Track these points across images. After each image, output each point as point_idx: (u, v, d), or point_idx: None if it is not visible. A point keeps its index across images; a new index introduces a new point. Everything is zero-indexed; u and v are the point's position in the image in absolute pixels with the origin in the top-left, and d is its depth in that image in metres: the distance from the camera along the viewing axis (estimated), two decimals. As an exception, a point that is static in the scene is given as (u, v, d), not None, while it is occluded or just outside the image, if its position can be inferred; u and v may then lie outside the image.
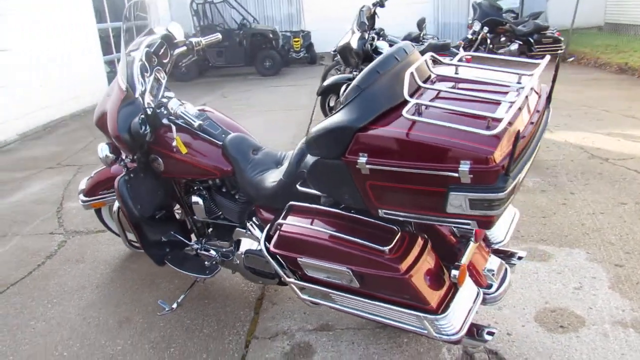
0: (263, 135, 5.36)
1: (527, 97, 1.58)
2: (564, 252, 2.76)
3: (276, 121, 6.36)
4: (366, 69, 1.66)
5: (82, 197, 2.83)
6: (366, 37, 4.84)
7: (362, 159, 1.54)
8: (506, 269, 1.96)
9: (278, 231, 1.88)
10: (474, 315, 1.71)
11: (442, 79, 1.73)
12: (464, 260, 1.70)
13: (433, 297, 1.65)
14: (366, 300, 1.75)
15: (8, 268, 3.02)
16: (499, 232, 2.03)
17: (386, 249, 1.63)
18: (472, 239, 1.78)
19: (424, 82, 1.67)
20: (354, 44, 4.87)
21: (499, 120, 1.38)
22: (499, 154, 1.37)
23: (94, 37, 8.64)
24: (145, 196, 2.39)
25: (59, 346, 2.28)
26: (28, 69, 6.85)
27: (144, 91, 2.26)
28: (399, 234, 1.68)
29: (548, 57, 1.68)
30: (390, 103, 1.58)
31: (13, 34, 6.63)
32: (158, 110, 2.25)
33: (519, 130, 1.32)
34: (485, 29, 10.14)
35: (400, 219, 1.62)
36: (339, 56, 5.33)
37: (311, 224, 1.83)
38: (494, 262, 1.94)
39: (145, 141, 2.20)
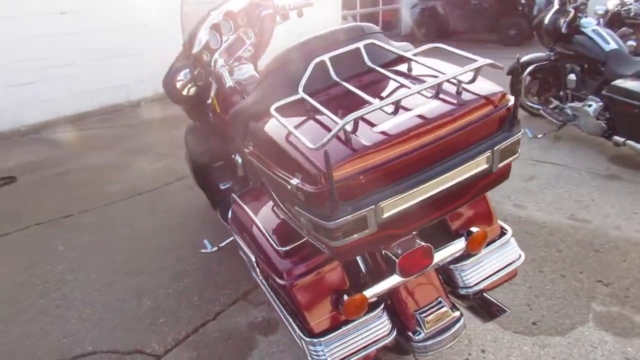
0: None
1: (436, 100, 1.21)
2: (663, 337, 1.97)
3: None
4: (283, 51, 1.48)
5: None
6: (563, 13, 3.97)
7: (247, 150, 1.43)
8: (457, 320, 1.54)
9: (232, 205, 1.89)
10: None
11: (374, 75, 1.41)
12: (369, 292, 1.43)
13: (316, 317, 1.46)
14: (271, 293, 1.65)
15: (148, 181, 3.74)
16: (473, 275, 1.60)
17: (282, 249, 1.50)
18: (397, 271, 1.47)
19: (348, 78, 1.39)
20: (546, 20, 4.07)
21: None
22: (341, 172, 1.11)
23: (336, -9, 9.23)
24: (202, 145, 2.63)
25: (122, 250, 2.80)
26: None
27: (217, 49, 2.44)
28: (306, 238, 1.51)
29: (486, 61, 1.21)
30: (292, 94, 1.38)
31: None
32: (212, 69, 2.41)
33: (325, 150, 1.03)
34: None
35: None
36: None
37: (251, 205, 1.78)
38: (439, 307, 1.55)
39: (183, 96, 2.39)
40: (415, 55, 1.45)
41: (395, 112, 1.19)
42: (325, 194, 1.11)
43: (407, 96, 1.15)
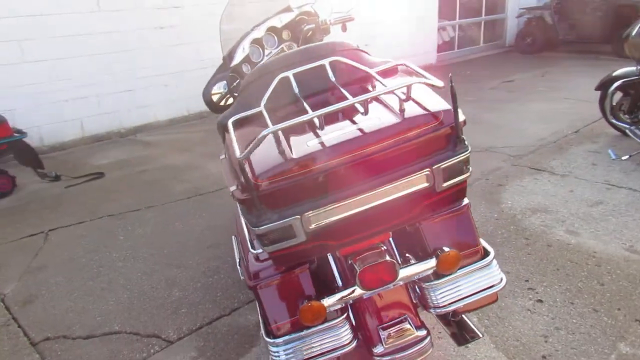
0: (514, 123, 4.87)
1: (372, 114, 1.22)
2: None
3: (552, 111, 5.47)
4: (260, 65, 1.56)
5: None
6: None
7: (220, 158, 1.54)
8: (420, 340, 1.50)
9: None
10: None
11: (337, 92, 1.43)
12: (328, 300, 1.46)
13: (278, 320, 1.52)
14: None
15: (211, 182, 4.02)
16: (444, 296, 1.54)
17: (254, 252, 1.58)
18: (357, 283, 1.48)
19: (313, 94, 1.44)
20: (634, 32, 3.72)
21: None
22: (266, 182, 1.17)
23: (433, 4, 9.11)
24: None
25: (169, 243, 3.06)
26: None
27: (258, 62, 2.60)
28: None
29: (420, 79, 1.18)
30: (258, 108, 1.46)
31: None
32: None
33: (240, 160, 1.10)
34: None
35: None
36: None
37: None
38: (403, 324, 1.52)
39: (220, 106, 2.55)
40: (381, 72, 1.46)
41: (321, 127, 1.22)
42: (250, 201, 1.18)
43: (329, 112, 1.18)
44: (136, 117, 5.82)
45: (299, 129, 1.30)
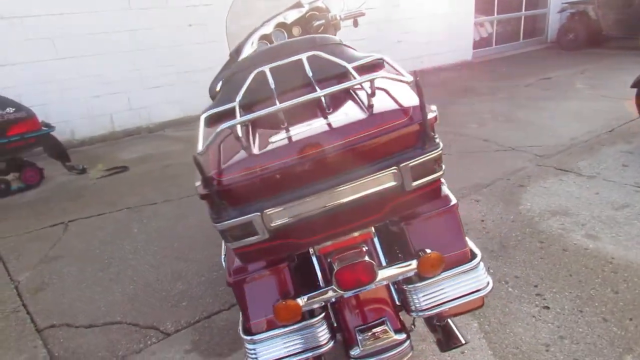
0: (546, 121, 4.70)
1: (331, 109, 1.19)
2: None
3: (588, 110, 5.23)
4: (241, 59, 1.53)
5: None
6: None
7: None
8: (399, 343, 1.45)
9: None
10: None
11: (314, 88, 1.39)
12: (303, 299, 1.44)
13: (255, 317, 1.50)
14: None
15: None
16: (426, 299, 1.48)
17: (235, 244, 1.57)
18: (334, 283, 1.44)
19: (290, 90, 1.40)
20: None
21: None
22: (225, 178, 1.16)
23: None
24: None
25: (180, 237, 3.10)
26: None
27: None
28: None
29: (381, 74, 1.12)
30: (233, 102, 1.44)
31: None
32: None
33: (195, 156, 1.08)
34: None
35: None
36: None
37: None
38: (381, 327, 1.47)
39: None
40: (360, 67, 1.40)
41: (290, 123, 1.19)
42: (208, 197, 1.16)
43: (288, 106, 1.15)
44: (165, 112, 5.94)
45: (265, 125, 1.27)
